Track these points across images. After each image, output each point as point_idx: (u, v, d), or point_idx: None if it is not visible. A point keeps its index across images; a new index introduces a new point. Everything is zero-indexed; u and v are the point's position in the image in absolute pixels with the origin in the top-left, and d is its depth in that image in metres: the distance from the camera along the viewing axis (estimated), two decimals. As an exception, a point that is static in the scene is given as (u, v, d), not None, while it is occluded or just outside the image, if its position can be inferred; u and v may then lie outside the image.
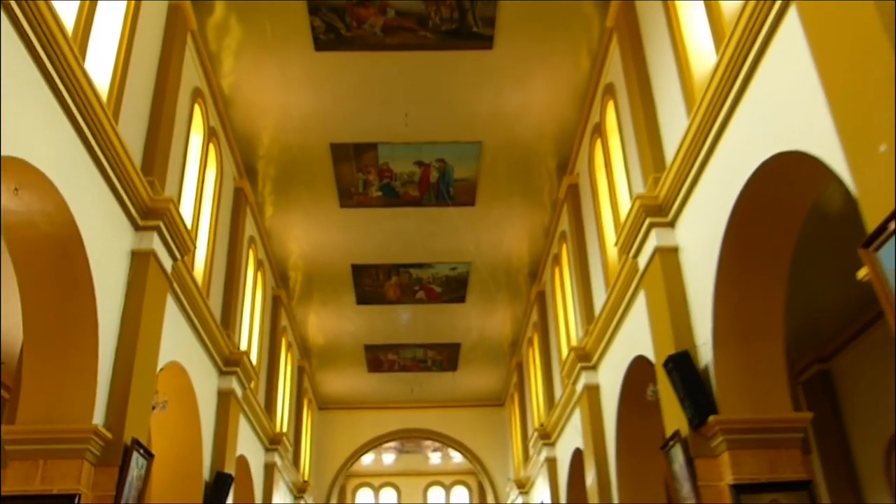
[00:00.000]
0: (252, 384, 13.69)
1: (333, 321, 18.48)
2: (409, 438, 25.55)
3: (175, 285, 8.96)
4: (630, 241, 8.67)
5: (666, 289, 7.82)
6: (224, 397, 11.50)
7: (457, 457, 28.26)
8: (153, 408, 9.27)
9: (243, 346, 12.55)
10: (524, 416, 19.43)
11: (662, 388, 7.96)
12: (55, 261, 6.50)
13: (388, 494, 29.71)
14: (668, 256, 7.95)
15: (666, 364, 7.25)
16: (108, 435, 6.79)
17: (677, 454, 7.20)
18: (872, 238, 3.94)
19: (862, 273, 4.05)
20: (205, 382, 10.81)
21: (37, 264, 6.44)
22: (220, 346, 11.26)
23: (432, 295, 17.46)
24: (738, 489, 6.45)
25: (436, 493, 29.79)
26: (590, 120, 12.18)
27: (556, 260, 15.22)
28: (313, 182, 13.70)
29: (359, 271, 16.42)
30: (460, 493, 29.82)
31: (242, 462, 13.20)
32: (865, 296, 7.66)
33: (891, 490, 12.17)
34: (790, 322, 14.63)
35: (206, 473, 10.75)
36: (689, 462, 6.99)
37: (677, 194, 7.86)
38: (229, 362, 11.61)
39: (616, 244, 9.30)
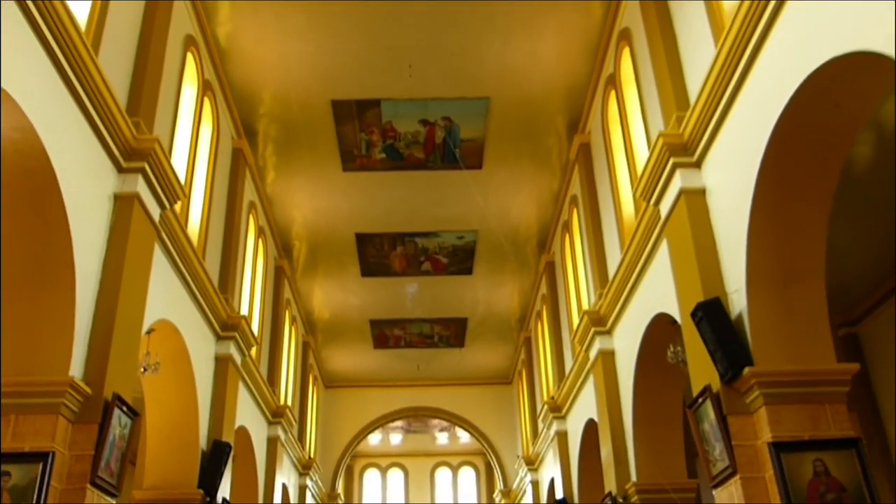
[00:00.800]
0: (253, 352, 13.16)
1: (338, 295, 17.91)
2: (417, 418, 25.05)
3: (164, 236, 8.39)
4: (651, 186, 8.05)
5: (692, 234, 7.21)
6: (221, 363, 10.95)
7: (464, 437, 27.75)
8: (144, 369, 8.77)
9: (243, 313, 11.97)
10: (533, 392, 18.87)
11: (689, 341, 7.36)
12: (27, 197, 5.92)
13: (396, 475, 29.24)
14: (695, 199, 7.33)
15: (694, 313, 6.65)
16: (87, 389, 6.24)
17: (707, 412, 6.61)
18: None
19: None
20: (201, 346, 10.26)
21: (6, 200, 5.86)
22: (217, 310, 10.71)
23: (438, 266, 16.87)
24: (778, 448, 5.86)
25: (443, 474, 29.30)
26: (603, 71, 11.55)
27: (567, 227, 14.60)
28: (315, 143, 13.10)
29: (363, 241, 15.83)
30: (467, 474, 29.33)
31: (244, 434, 12.68)
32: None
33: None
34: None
35: (202, 442, 10.22)
36: (722, 420, 6.40)
37: (703, 132, 7.24)
38: (227, 327, 11.05)
39: (636, 192, 8.67)
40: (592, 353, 11.59)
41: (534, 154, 13.69)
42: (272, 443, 14.39)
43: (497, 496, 22.70)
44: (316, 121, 12.58)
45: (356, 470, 29.07)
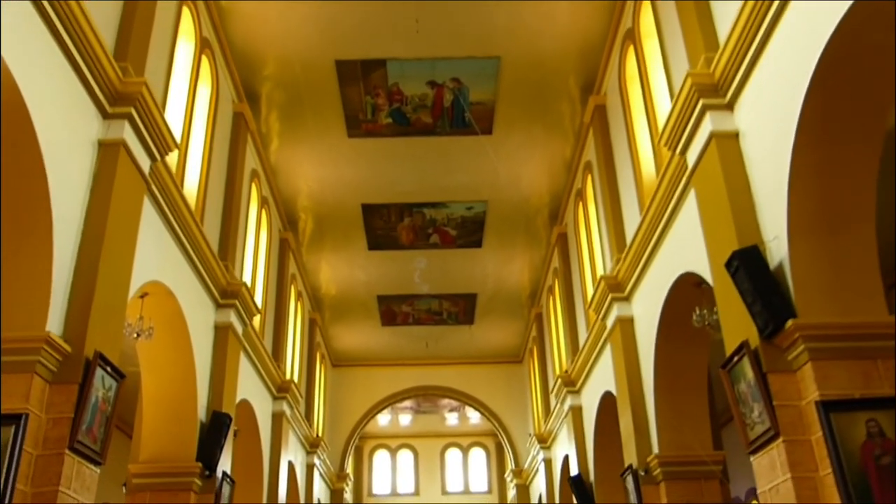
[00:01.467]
0: (256, 324, 12.69)
1: (344, 269, 17.40)
2: (426, 398, 24.60)
3: (156, 192, 7.89)
4: (678, 132, 7.47)
5: (725, 180, 6.64)
6: (221, 332, 10.46)
7: (474, 417, 27.31)
8: (137, 335, 8.28)
9: (244, 281, 11.42)
10: (544, 369, 18.35)
11: (722, 296, 6.82)
12: (-1, 138, 5.43)
13: (405, 456, 28.84)
14: (727, 143, 6.75)
15: (730, 263, 6.09)
16: (66, 346, 5.74)
17: (745, 371, 6.06)
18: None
19: None
20: (199, 313, 9.76)
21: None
22: (216, 276, 10.21)
23: (447, 239, 16.32)
24: (826, 407, 5.32)
25: (453, 455, 28.88)
26: (621, 26, 10.94)
27: (580, 195, 14.02)
28: (319, 107, 12.55)
29: (370, 212, 15.28)
30: (478, 455, 28.91)
31: (247, 409, 12.21)
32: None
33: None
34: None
35: (201, 414, 9.74)
36: (762, 378, 5.85)
37: (736, 70, 6.66)
38: (227, 294, 10.55)
39: (660, 140, 8.09)
40: (610, 321, 11.04)
41: (546, 118, 13.10)
42: (277, 418, 13.93)
43: (508, 476, 22.24)
44: (320, 83, 12.02)
45: (365, 451, 28.69)
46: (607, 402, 12.26)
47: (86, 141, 6.51)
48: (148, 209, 7.82)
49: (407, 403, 25.62)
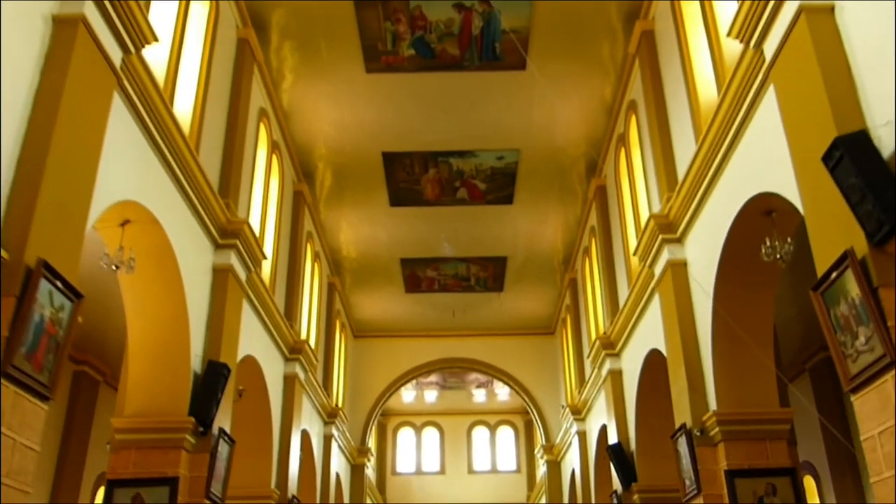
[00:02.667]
0: (266, 277, 11.63)
1: (365, 228, 16.26)
2: (452, 371, 23.50)
3: (132, 94, 6.78)
4: (753, 19, 6.18)
5: (818, 59, 5.35)
6: (220, 274, 9.37)
7: (502, 394, 26.17)
8: (116, 267, 7.24)
9: (256, 233, 10.30)
10: (578, 337, 17.11)
11: (811, 205, 5.55)
12: None
13: (431, 434, 27.79)
14: (820, 18, 5.45)
15: (830, 154, 4.83)
16: (2, 253, 4.65)
17: (846, 288, 4.82)
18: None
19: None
20: (191, 249, 8.67)
21: None
22: (213, 212, 9.13)
23: (475, 194, 15.11)
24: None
25: (480, 433, 27.77)
26: None
27: (622, 140, 12.72)
28: (333, 36, 11.37)
29: (392, 162, 14.10)
30: (506, 433, 27.77)
31: (253, 367, 11.16)
32: None
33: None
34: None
35: (195, 363, 8.68)
36: (872, 295, 4.59)
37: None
38: (227, 233, 9.46)
39: (730, 33, 6.78)
40: (658, 268, 9.76)
41: (586, 50, 11.79)
42: (289, 381, 12.86)
43: (539, 452, 21.04)
44: (333, 5, 10.84)
45: (389, 428, 27.70)
46: (653, 361, 11.02)
47: (36, 14, 5.48)
48: (123, 115, 6.72)
49: (432, 378, 24.55)
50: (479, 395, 26.44)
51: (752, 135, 7.16)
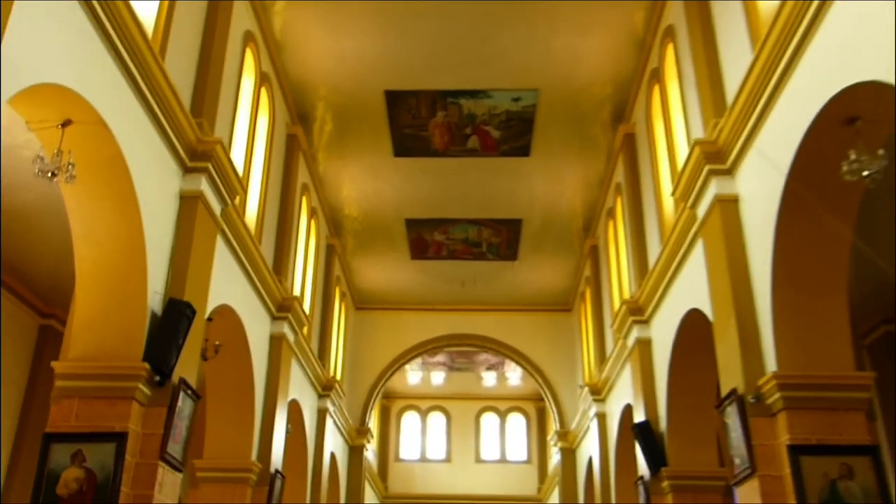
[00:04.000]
0: (252, 226, 10.27)
1: (367, 181, 14.81)
2: (461, 351, 22.09)
3: None
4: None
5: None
6: (188, 203, 7.97)
7: (514, 379, 24.72)
8: (52, 174, 5.87)
9: (237, 166, 8.88)
10: (599, 311, 15.62)
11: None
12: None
13: (437, 419, 26.35)
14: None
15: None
16: None
17: None
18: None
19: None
20: (149, 167, 7.27)
21: None
22: (181, 129, 7.74)
23: (488, 143, 13.64)
24: None
25: (489, 420, 26.30)
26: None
27: (656, 75, 11.22)
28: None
29: (395, 102, 12.64)
30: (516, 421, 26.28)
31: (231, 319, 9.77)
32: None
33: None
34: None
35: (153, 301, 7.28)
36: None
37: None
38: (196, 155, 8.06)
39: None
40: (704, 207, 8.26)
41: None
42: (276, 342, 11.46)
43: (552, 439, 19.55)
44: None
45: (393, 412, 26.30)
46: (690, 325, 9.53)
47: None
48: None
49: (439, 358, 23.13)
50: (489, 379, 24.97)
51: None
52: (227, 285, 9.43)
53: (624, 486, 13.53)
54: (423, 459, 25.84)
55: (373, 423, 23.63)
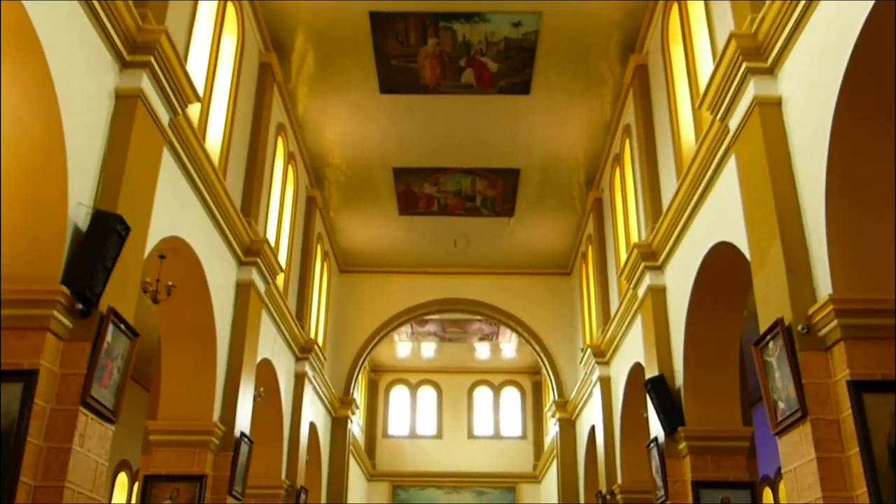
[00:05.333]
0: (215, 152, 8.93)
1: (351, 123, 13.46)
2: (453, 320, 20.87)
3: None
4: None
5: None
6: (125, 103, 6.64)
7: (508, 350, 23.53)
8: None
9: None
10: (603, 269, 14.39)
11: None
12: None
13: (427, 394, 25.14)
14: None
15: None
16: None
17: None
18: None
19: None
20: (75, 58, 5.93)
21: None
22: (118, 15, 6.40)
23: (485, 78, 12.33)
24: None
25: (482, 394, 25.10)
26: None
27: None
28: None
29: (381, 26, 11.27)
30: (511, 395, 25.09)
31: (186, 255, 8.48)
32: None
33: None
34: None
35: (75, 213, 5.99)
36: None
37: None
38: (137, 47, 6.72)
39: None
40: (737, 118, 6.94)
41: None
42: (243, 289, 10.17)
43: (550, 410, 18.35)
44: None
45: (381, 386, 25.09)
46: (715, 262, 8.31)
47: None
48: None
49: (429, 328, 21.88)
50: (483, 351, 23.75)
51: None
52: (180, 215, 8.15)
53: (630, 454, 12.39)
54: (413, 436, 24.65)
55: (359, 396, 22.44)
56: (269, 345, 11.65)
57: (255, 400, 10.91)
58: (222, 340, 9.51)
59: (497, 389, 25.10)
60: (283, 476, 12.63)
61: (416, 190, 15.36)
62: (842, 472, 5.38)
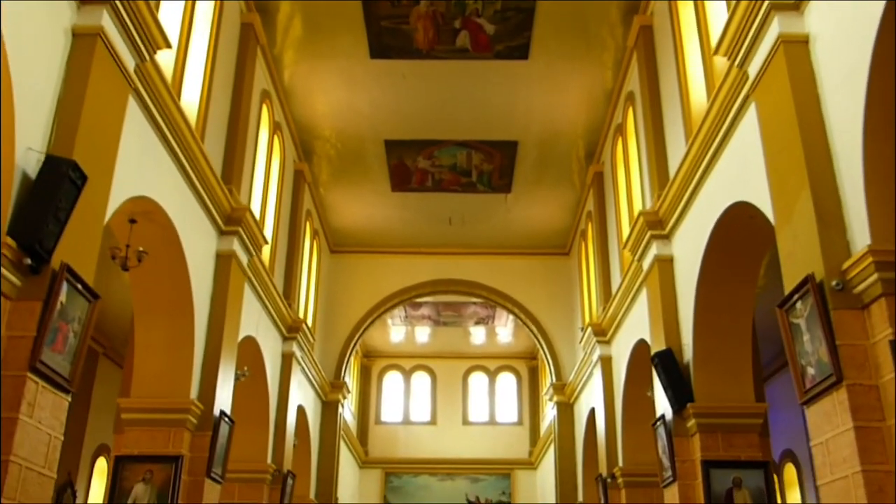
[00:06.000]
0: (193, 113, 8.28)
1: (340, 91, 12.79)
2: (448, 303, 20.27)
3: None
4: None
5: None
6: (82, 42, 5.98)
7: (504, 335, 22.96)
8: None
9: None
10: (604, 245, 13.81)
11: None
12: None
13: (421, 379, 24.56)
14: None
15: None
16: None
17: None
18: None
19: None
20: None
21: None
22: None
23: (481, 41, 11.70)
24: None
25: (478, 380, 24.53)
26: None
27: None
28: None
29: (370, -14, 10.67)
30: (507, 381, 24.52)
31: (158, 219, 7.86)
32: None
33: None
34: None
35: (24, 159, 5.36)
36: None
37: None
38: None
39: None
40: (757, 62, 6.32)
41: None
42: (223, 260, 9.54)
43: (547, 394, 17.80)
44: None
45: (374, 371, 24.49)
46: (729, 224, 7.73)
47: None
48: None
49: (424, 311, 21.27)
50: (478, 336, 23.16)
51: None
52: (152, 176, 7.53)
53: (632, 436, 11.86)
54: (407, 422, 24.08)
55: (352, 382, 21.89)
56: (254, 321, 11.04)
57: (238, 379, 10.33)
58: (201, 313, 8.90)
59: (493, 375, 24.54)
60: (270, 460, 12.04)
61: (409, 164, 14.73)
62: (882, 442, 4.81)
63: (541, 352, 18.11)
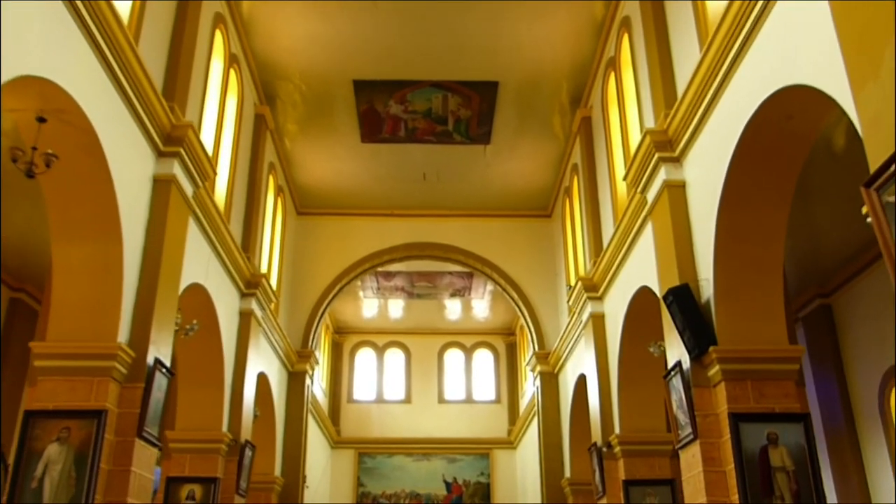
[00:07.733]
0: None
1: (304, 18, 11.35)
2: (421, 272, 18.96)
3: None
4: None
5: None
6: None
7: (481, 309, 21.72)
8: None
9: None
10: (594, 192, 12.59)
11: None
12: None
13: (395, 356, 23.22)
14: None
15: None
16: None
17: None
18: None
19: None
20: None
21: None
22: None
23: (461, -43, 10.40)
24: None
25: (454, 357, 23.24)
26: None
27: None
28: None
29: None
30: (484, 357, 23.26)
31: (75, 119, 6.44)
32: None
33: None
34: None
35: None
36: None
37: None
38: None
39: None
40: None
41: None
42: (162, 186, 8.10)
43: (529, 364, 16.56)
44: None
45: (346, 349, 23.12)
46: (760, 130, 6.48)
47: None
48: None
49: (397, 282, 19.94)
50: (454, 310, 21.85)
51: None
52: (59, 55, 6.11)
53: (630, 400, 10.71)
54: (380, 400, 22.74)
55: (323, 358, 20.55)
56: (203, 266, 9.63)
57: (187, 333, 8.99)
58: (132, 242, 7.48)
59: (469, 351, 23.28)
60: (225, 428, 10.66)
61: (379, 109, 13.37)
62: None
63: (521, 320, 16.88)
